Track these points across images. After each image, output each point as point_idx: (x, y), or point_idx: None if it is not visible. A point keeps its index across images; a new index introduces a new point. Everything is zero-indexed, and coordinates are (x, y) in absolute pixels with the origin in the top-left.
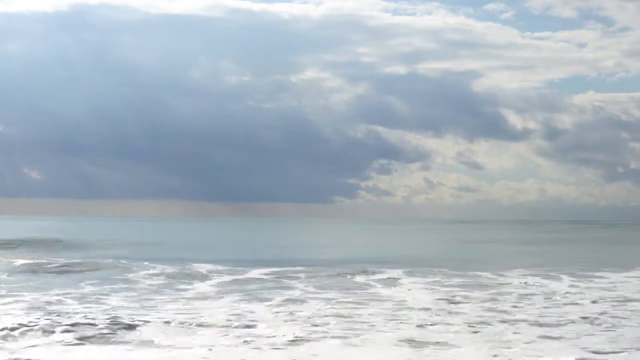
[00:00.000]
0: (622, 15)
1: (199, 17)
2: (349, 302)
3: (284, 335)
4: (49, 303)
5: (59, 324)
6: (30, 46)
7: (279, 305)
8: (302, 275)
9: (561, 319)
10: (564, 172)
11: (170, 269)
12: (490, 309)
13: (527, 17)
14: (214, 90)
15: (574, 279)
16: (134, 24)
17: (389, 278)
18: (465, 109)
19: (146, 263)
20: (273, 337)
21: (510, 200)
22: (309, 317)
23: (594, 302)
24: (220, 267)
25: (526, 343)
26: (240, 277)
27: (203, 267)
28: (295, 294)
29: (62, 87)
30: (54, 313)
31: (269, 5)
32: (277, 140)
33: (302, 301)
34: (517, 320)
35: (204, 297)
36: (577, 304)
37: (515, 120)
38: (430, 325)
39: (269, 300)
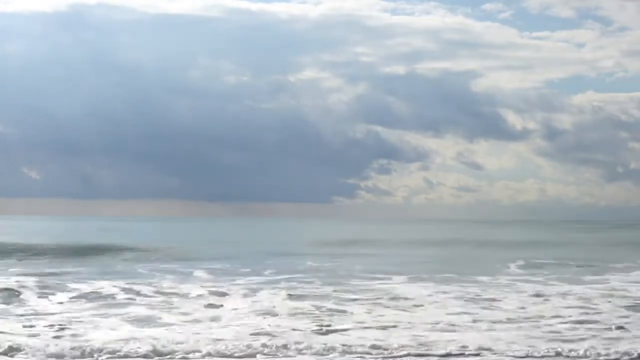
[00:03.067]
0: (620, 15)
1: (197, 17)
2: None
3: None
4: None
5: None
6: (29, 46)
7: None
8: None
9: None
10: (564, 172)
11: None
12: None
13: (525, 16)
14: (213, 90)
15: (566, 281)
16: (133, 24)
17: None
18: (465, 109)
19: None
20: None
21: (510, 200)
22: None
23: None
24: None
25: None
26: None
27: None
28: None
29: (61, 87)
30: None
31: (267, 5)
32: (276, 140)
33: None
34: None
35: None
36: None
37: (514, 120)
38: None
39: None
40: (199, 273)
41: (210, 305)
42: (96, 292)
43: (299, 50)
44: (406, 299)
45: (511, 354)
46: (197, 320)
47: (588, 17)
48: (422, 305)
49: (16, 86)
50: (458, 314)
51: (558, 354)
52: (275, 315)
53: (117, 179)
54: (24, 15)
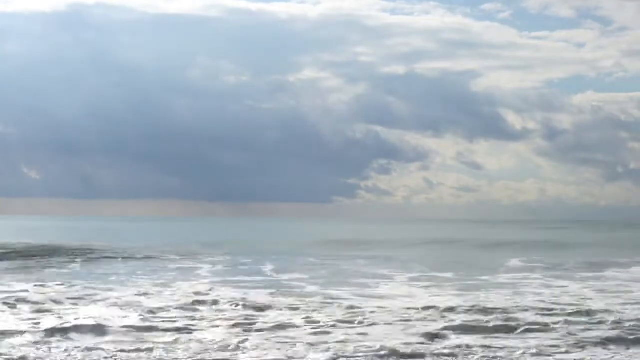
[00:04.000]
0: (620, 15)
1: (196, 17)
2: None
3: None
4: None
5: None
6: (28, 46)
7: None
8: None
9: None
10: (564, 172)
11: None
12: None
13: (524, 16)
14: (213, 90)
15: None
16: (132, 24)
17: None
18: (465, 109)
19: None
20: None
21: (510, 200)
22: None
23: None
24: None
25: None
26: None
27: None
28: None
29: (61, 87)
30: None
31: (266, 5)
32: (276, 140)
33: None
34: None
35: None
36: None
37: (514, 120)
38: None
39: None
40: (199, 271)
41: (207, 303)
42: (92, 289)
43: (298, 50)
44: (405, 298)
45: (505, 352)
46: (193, 318)
47: (588, 17)
48: (420, 304)
49: (16, 86)
50: (457, 313)
51: (558, 352)
52: (272, 313)
53: (117, 179)
54: (24, 15)
